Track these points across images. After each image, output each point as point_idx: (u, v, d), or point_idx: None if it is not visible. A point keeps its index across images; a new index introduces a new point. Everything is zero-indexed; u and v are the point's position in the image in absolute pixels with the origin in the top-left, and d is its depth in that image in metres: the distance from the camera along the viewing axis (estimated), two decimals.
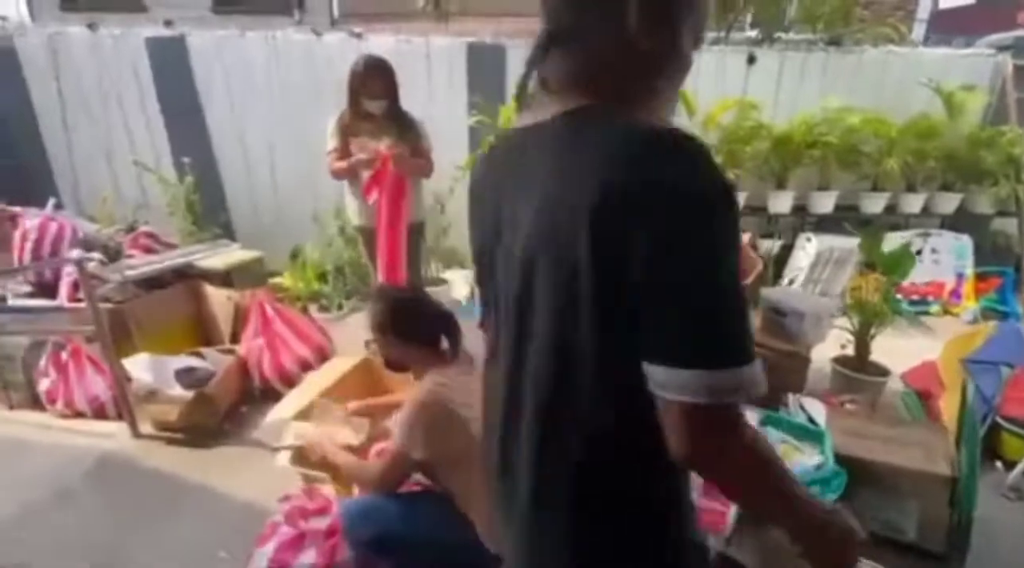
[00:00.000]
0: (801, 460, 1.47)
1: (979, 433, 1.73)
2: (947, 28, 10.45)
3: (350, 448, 1.46)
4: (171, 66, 3.77)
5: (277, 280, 3.46)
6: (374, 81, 2.26)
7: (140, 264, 2.99)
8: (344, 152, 2.41)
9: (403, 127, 2.39)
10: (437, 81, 3.95)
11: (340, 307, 3.31)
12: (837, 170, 3.94)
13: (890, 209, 4.04)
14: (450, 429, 1.23)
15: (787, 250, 4.01)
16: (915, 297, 3.84)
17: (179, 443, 2.04)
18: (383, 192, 2.27)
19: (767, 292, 2.20)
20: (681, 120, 3.98)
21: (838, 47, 4.13)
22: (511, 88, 3.93)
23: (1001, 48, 4.06)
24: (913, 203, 3.99)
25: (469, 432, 1.20)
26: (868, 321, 2.25)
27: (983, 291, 3.83)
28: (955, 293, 3.81)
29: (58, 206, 3.65)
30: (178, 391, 2.03)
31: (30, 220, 3.20)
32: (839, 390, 2.23)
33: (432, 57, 3.89)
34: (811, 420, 1.71)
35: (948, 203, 4.02)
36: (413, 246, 2.66)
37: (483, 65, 3.92)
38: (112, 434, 2.08)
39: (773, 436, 1.56)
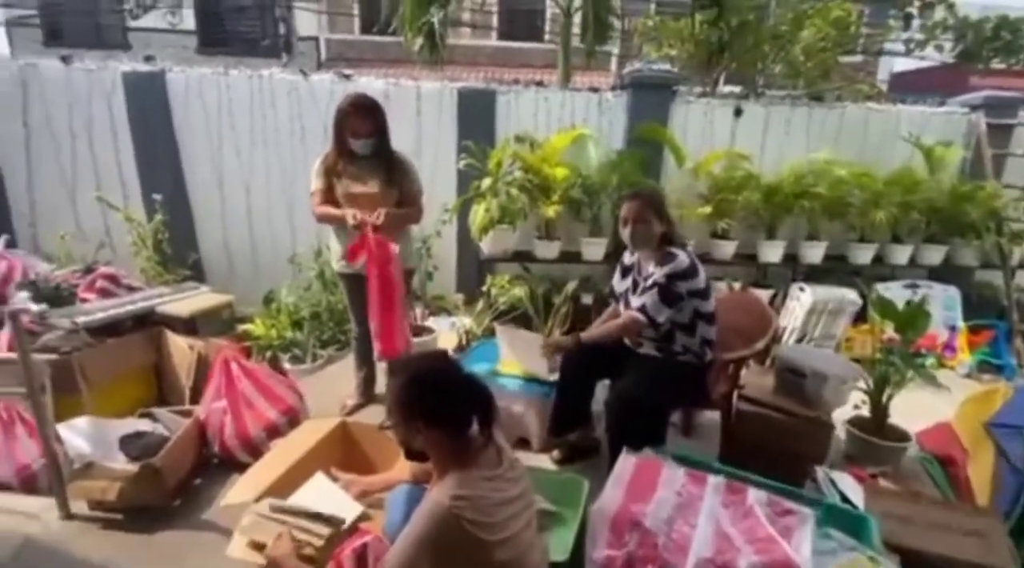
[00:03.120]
0: None
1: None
2: (904, 88, 11.27)
3: (309, 561, 1.20)
4: (148, 102, 3.62)
5: (247, 327, 3.21)
6: (361, 120, 2.13)
7: (94, 309, 2.72)
8: (328, 194, 2.26)
9: (391, 168, 2.25)
10: (427, 124, 3.88)
11: (315, 358, 3.06)
12: (825, 221, 3.95)
13: (877, 260, 4.05)
14: (468, 562, 1.01)
15: (776, 299, 3.95)
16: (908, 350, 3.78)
17: (116, 526, 1.73)
18: (371, 261, 2.13)
19: (783, 350, 2.07)
20: (669, 168, 3.98)
21: (820, 102, 4.23)
22: (501, 133, 3.91)
23: (974, 107, 4.21)
24: (900, 254, 4.01)
25: (491, 561, 0.99)
26: (884, 380, 2.13)
27: (976, 344, 3.80)
28: (949, 346, 3.76)
29: (10, 244, 3.38)
30: (120, 464, 1.74)
31: None
32: (858, 457, 2.07)
33: (422, 99, 3.83)
34: (844, 497, 1.54)
35: (934, 255, 4.04)
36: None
37: (473, 110, 3.88)
38: (37, 515, 1.77)
39: (828, 544, 1.24)
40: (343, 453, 1.88)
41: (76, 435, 1.77)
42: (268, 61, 9.49)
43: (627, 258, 2.12)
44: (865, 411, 2.23)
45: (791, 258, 4.00)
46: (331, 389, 2.76)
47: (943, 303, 3.89)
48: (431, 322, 3.34)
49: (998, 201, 3.83)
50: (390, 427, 1.14)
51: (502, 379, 2.24)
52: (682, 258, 1.86)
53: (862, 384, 2.17)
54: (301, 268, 3.45)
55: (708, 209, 3.74)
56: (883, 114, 4.22)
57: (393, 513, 1.38)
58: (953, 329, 3.82)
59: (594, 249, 3.78)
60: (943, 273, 4.09)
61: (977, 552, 1.32)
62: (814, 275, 3.99)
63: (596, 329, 2.02)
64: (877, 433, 2.12)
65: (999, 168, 4.13)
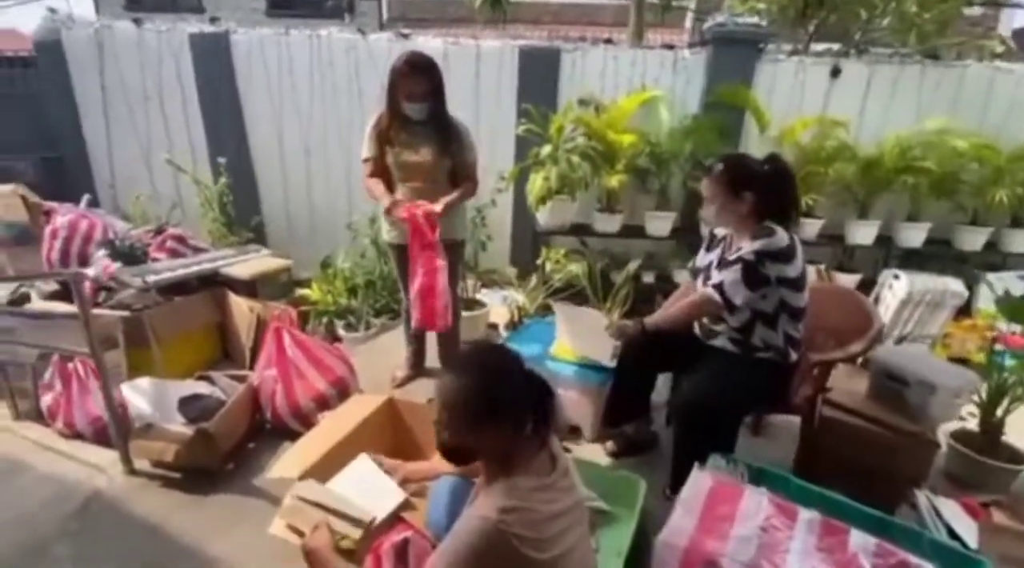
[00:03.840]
0: None
1: None
2: None
3: (348, 554, 1.14)
4: (213, 63, 3.64)
5: (304, 291, 3.24)
6: (416, 81, 1.99)
7: (163, 268, 2.82)
8: (380, 163, 2.16)
9: (447, 136, 2.10)
10: (486, 86, 3.69)
11: (368, 326, 3.05)
12: (931, 200, 3.47)
13: (989, 246, 3.54)
14: None
15: (864, 287, 3.55)
16: (1017, 348, 3.31)
17: (175, 485, 1.79)
18: (414, 232, 2.06)
19: (882, 351, 1.80)
20: (751, 136, 3.61)
21: (936, 61, 3.66)
22: (564, 95, 3.66)
23: None
24: (1019, 241, 3.48)
25: None
26: (1002, 391, 1.82)
27: None
28: None
29: (92, 204, 3.55)
30: (177, 427, 1.78)
31: (62, 216, 3.09)
32: (961, 478, 1.80)
33: (482, 60, 3.63)
34: (951, 531, 1.31)
35: None
36: (451, 266, 2.38)
37: (535, 70, 3.64)
38: (104, 468, 1.85)
39: None
40: (390, 430, 1.84)
41: (138, 395, 1.83)
42: (332, 22, 9.48)
43: (719, 230, 1.91)
44: (973, 424, 1.93)
45: (884, 240, 3.57)
46: (383, 359, 2.74)
47: None
48: (483, 295, 3.24)
49: None
50: (435, 423, 1.04)
51: (555, 363, 2.11)
52: (780, 236, 1.61)
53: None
54: (357, 234, 3.42)
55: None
56: (1014, 75, 3.59)
57: (436, 507, 1.31)
58: None
59: (660, 224, 3.52)
60: None
61: None
62: (911, 261, 3.55)
63: (663, 312, 1.83)
64: (987, 452, 1.82)
65: None
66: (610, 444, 2.06)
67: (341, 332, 3.05)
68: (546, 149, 3.29)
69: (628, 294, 2.88)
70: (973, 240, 3.50)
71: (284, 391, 1.96)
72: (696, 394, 1.62)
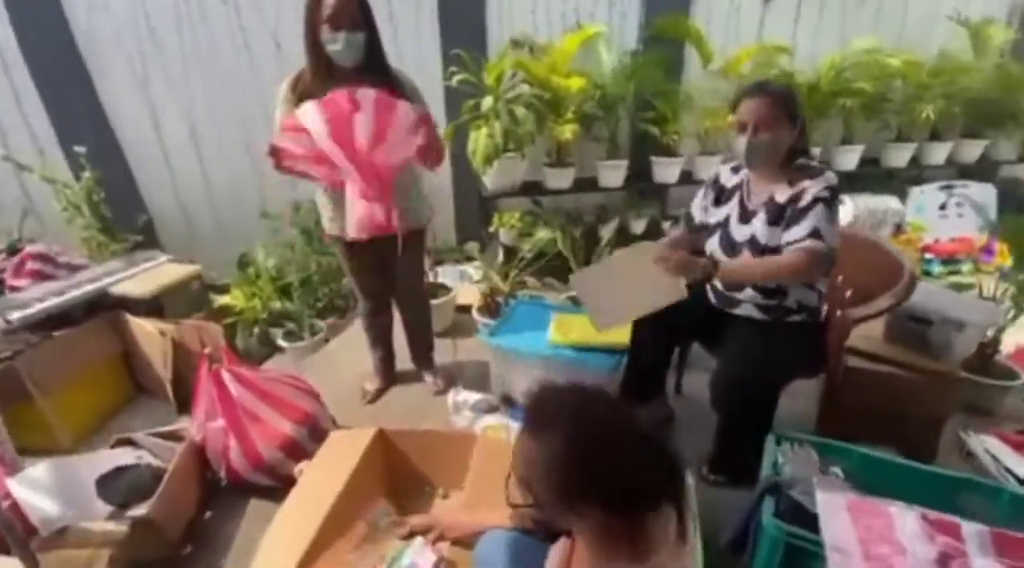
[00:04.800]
0: None
1: None
2: None
3: None
4: (40, 21, 2.79)
5: (224, 300, 2.72)
6: (340, 5, 1.52)
7: (30, 300, 2.22)
8: None
9: (392, 92, 1.69)
10: (403, 32, 3.17)
11: (314, 331, 2.62)
12: (861, 121, 3.53)
13: (911, 161, 3.72)
14: None
15: None
16: (943, 256, 3.58)
17: None
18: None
19: None
20: (692, 70, 3.44)
21: None
22: (493, 37, 3.24)
23: None
24: (938, 153, 3.68)
25: None
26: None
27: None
28: (987, 250, 3.55)
29: None
30: (102, 523, 1.34)
31: None
32: (974, 406, 1.83)
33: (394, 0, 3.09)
34: (1016, 476, 1.28)
35: (972, 151, 3.73)
36: (416, 259, 2.02)
37: (459, 10, 3.17)
38: None
39: None
40: (387, 469, 1.53)
41: (36, 491, 1.35)
42: None
43: (725, 177, 1.68)
44: None
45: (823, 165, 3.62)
46: (343, 370, 2.36)
47: (980, 204, 3.64)
48: (441, 276, 2.89)
49: None
50: (524, 506, 0.76)
51: (559, 351, 1.87)
52: (829, 173, 1.45)
53: None
54: (279, 224, 2.90)
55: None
56: None
57: None
58: (990, 231, 3.60)
59: (613, 174, 3.31)
60: (976, 171, 3.81)
61: None
62: (848, 183, 3.64)
63: (742, 264, 1.53)
64: (987, 373, 1.87)
65: None
66: None
67: (281, 342, 2.60)
68: (487, 101, 2.90)
69: (611, 252, 2.65)
70: (900, 157, 3.65)
71: (239, 444, 1.56)
72: (736, 369, 1.46)
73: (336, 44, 1.56)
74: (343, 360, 2.45)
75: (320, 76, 1.62)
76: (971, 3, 3.66)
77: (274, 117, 1.70)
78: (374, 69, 1.65)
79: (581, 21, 3.30)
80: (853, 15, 3.60)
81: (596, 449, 0.72)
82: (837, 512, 0.85)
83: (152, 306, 2.44)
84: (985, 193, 3.69)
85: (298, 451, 1.59)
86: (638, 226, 3.45)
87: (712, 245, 1.64)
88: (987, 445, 1.41)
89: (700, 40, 3.25)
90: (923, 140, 3.67)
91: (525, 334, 1.97)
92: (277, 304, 2.70)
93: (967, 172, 3.82)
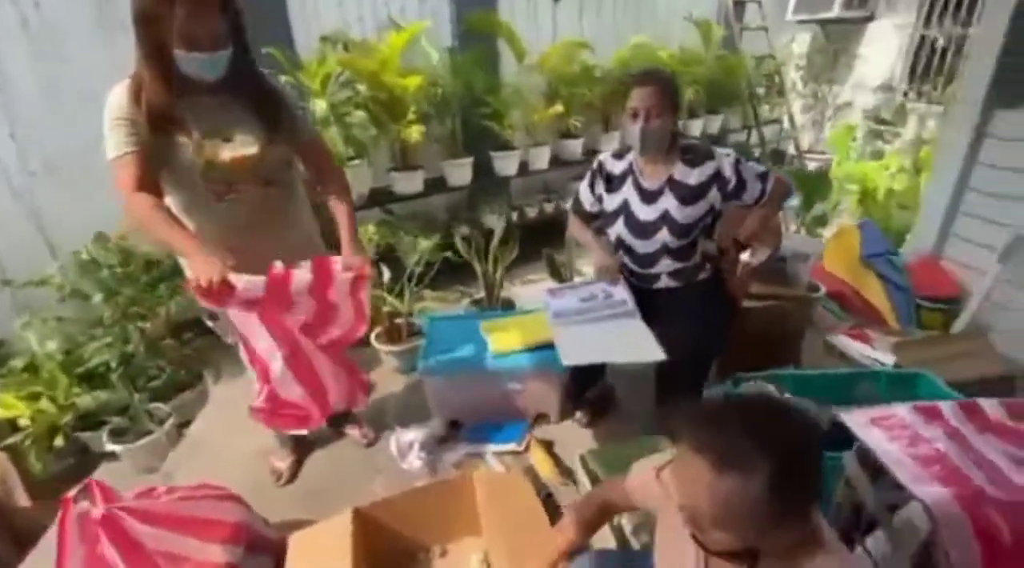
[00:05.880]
0: None
1: None
2: None
3: None
4: None
5: None
6: (202, 9, 1.14)
7: None
8: (146, 165, 1.25)
9: (268, 102, 1.35)
10: None
11: (157, 419, 1.98)
12: None
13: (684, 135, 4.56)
14: None
15: None
16: None
17: None
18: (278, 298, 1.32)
19: None
20: (507, 66, 3.58)
21: None
22: (299, 33, 2.84)
23: None
24: (695, 128, 4.57)
25: None
26: None
27: None
28: None
29: None
30: None
31: None
32: None
33: None
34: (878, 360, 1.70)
35: (714, 124, 4.74)
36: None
37: (259, 6, 2.69)
38: None
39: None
40: (373, 553, 1.26)
41: None
42: None
43: (610, 164, 1.76)
44: None
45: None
46: (228, 454, 1.86)
47: None
48: None
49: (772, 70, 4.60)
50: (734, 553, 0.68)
51: (505, 359, 1.78)
52: (715, 147, 1.65)
53: None
54: (53, 287, 2.10)
55: (560, 108, 3.52)
56: None
57: None
58: None
59: (461, 171, 3.27)
60: (716, 139, 4.86)
61: (991, 367, 1.64)
62: None
63: (756, 220, 1.71)
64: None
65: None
66: (580, 415, 1.92)
67: (110, 447, 1.91)
68: (319, 106, 2.56)
69: (512, 246, 2.59)
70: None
71: None
72: (684, 348, 1.54)
73: (190, 66, 1.19)
74: (222, 442, 1.92)
75: (167, 90, 1.21)
76: (699, 5, 4.62)
77: (106, 137, 1.22)
78: (245, 78, 1.30)
79: (392, 16, 3.14)
80: (622, 14, 4.20)
81: (807, 463, 0.67)
82: (867, 428, 1.01)
83: None
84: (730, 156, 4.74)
85: None
86: (489, 221, 3.49)
87: (618, 230, 1.73)
88: (845, 343, 1.85)
89: (512, 36, 3.39)
90: (684, 119, 4.51)
91: (459, 351, 1.82)
92: (86, 399, 1.97)
93: (715, 141, 4.85)
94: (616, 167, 1.76)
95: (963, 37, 4.54)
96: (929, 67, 4.85)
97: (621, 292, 1.68)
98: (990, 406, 1.05)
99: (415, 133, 2.81)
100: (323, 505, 1.57)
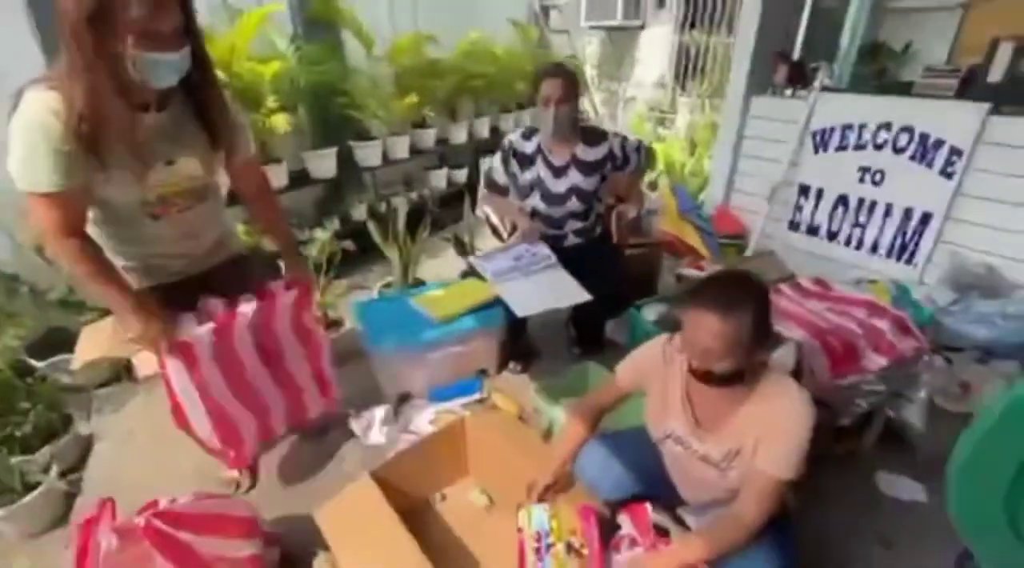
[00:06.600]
0: None
1: None
2: None
3: None
4: None
5: None
6: (157, 14, 1.00)
7: None
8: (78, 202, 1.11)
9: (209, 109, 1.23)
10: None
11: (28, 477, 1.62)
12: (484, 99, 4.52)
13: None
14: None
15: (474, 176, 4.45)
16: None
17: None
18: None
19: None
20: (354, 57, 3.58)
21: None
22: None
23: None
24: (527, 116, 5.11)
25: None
26: None
27: None
28: None
29: None
30: None
31: None
32: None
33: None
34: None
35: (526, 117, 5.33)
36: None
37: None
38: None
39: None
40: (398, 510, 1.34)
41: None
42: None
43: (520, 144, 2.00)
44: None
45: (470, 137, 4.46)
46: (162, 480, 1.63)
47: None
48: None
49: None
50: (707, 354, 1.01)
51: (450, 325, 1.91)
52: (608, 130, 2.02)
53: None
54: None
55: (415, 98, 3.65)
56: None
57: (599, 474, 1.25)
58: None
59: (325, 162, 3.19)
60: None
61: (779, 272, 2.34)
62: (486, 148, 4.63)
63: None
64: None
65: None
66: (513, 365, 2.16)
67: None
68: None
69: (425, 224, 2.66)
70: (507, 124, 4.87)
71: None
72: (595, 288, 1.86)
73: (147, 70, 1.04)
74: (137, 473, 1.67)
75: (120, 104, 1.07)
76: (515, 9, 5.11)
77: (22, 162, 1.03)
78: (197, 88, 1.19)
79: (228, 2, 2.89)
80: (452, 13, 4.44)
81: (767, 303, 1.03)
82: (781, 305, 1.50)
83: None
84: None
85: None
86: (359, 211, 3.46)
87: (534, 201, 2.02)
88: (690, 272, 2.44)
89: (358, 27, 3.39)
90: (514, 111, 5.00)
91: (400, 329, 1.90)
92: None
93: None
94: (526, 146, 2.02)
95: (709, 44, 5.90)
96: (687, 68, 6.19)
97: (543, 249, 1.96)
98: (808, 283, 1.62)
99: (282, 123, 2.68)
100: (305, 498, 1.55)
